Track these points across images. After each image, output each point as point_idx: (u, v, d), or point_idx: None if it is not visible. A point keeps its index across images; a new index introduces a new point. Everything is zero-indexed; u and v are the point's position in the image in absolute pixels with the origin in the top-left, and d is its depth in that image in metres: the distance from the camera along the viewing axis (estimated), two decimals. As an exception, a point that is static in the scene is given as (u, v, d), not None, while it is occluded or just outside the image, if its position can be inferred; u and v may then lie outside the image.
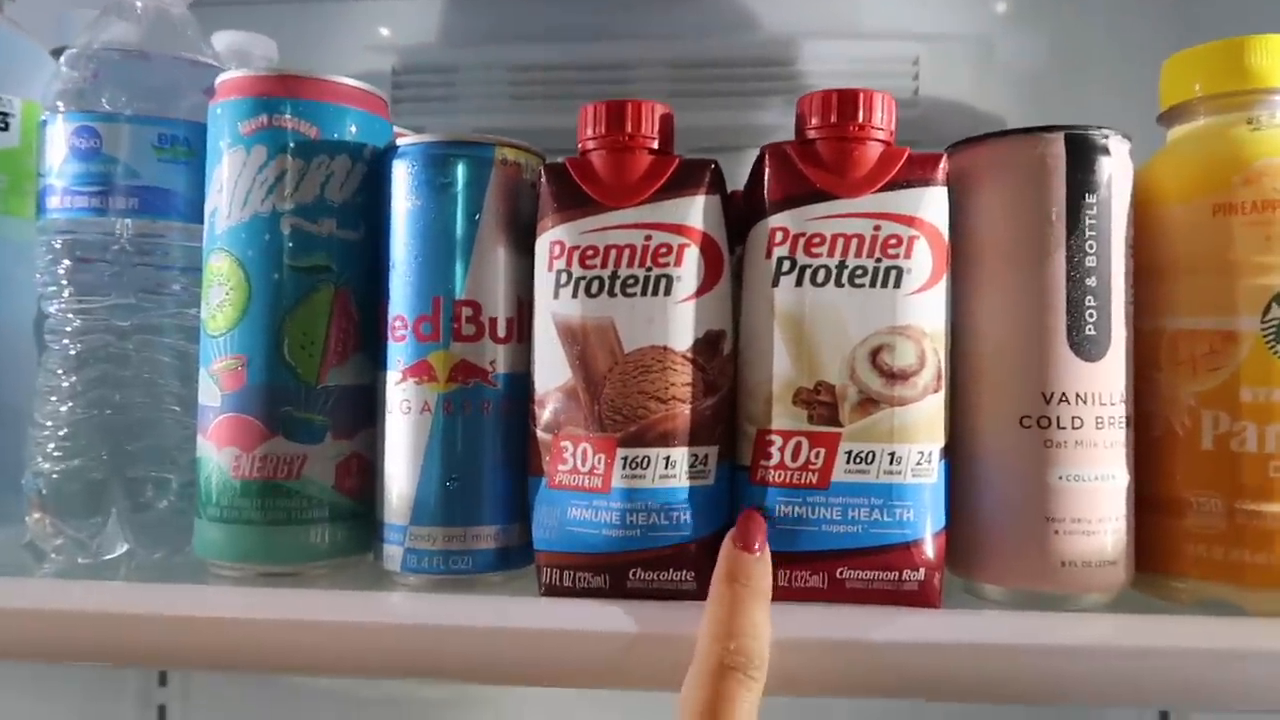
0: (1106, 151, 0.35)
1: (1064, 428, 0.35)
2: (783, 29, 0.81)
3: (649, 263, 0.36)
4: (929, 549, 0.35)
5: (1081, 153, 0.35)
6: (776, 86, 0.79)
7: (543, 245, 0.37)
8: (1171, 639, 0.32)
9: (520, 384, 0.38)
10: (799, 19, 0.81)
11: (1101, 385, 0.35)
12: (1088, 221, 0.35)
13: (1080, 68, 0.77)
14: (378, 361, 0.39)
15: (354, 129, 0.40)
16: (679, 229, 0.36)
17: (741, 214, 0.37)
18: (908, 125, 0.79)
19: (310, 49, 0.85)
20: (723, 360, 0.37)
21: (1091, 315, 0.35)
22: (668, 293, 0.35)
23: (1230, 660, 0.32)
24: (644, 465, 0.35)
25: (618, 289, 0.36)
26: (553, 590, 0.36)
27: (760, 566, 0.33)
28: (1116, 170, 0.35)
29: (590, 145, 0.37)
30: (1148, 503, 0.37)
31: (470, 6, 0.84)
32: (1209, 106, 0.37)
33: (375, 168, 0.40)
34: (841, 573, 0.35)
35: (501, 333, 0.38)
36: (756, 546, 0.33)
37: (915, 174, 0.35)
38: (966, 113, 0.79)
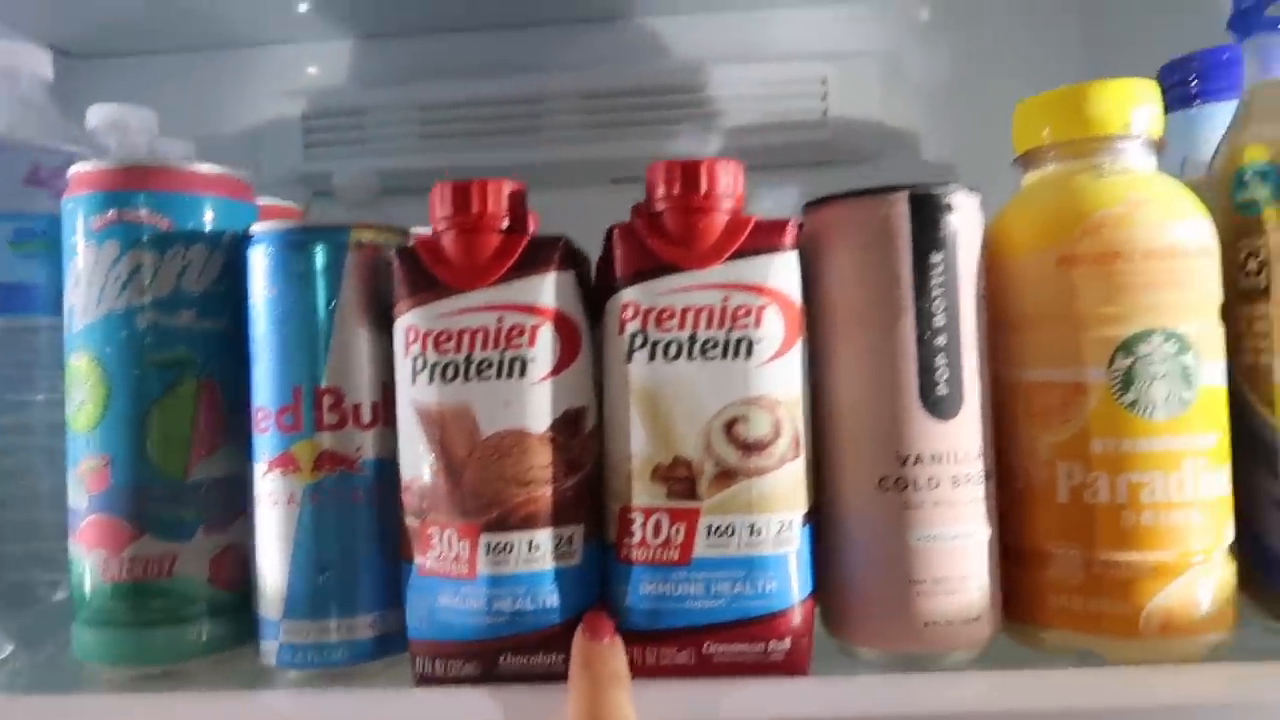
0: (950, 209, 0.35)
1: (921, 488, 0.35)
2: (692, 55, 0.81)
3: (503, 344, 0.35)
4: (795, 617, 0.35)
5: (925, 212, 0.35)
6: (689, 113, 0.79)
7: (399, 331, 0.37)
8: (1027, 699, 0.32)
9: (391, 469, 0.38)
10: (707, 44, 0.81)
11: (957, 444, 0.35)
12: (935, 280, 0.35)
13: (987, 82, 0.77)
14: (249, 450, 0.39)
15: (211, 216, 0.39)
16: (531, 309, 0.35)
17: (601, 287, 0.37)
18: (818, 146, 0.80)
19: (221, 97, 0.84)
20: (585, 437, 0.36)
21: (943, 374, 0.35)
22: (523, 374, 0.35)
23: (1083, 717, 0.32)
24: (507, 550, 0.35)
25: (473, 373, 0.35)
26: (426, 680, 0.36)
27: (612, 651, 0.33)
28: (963, 226, 0.36)
29: (440, 226, 0.37)
30: (1014, 554, 0.37)
31: (378, 48, 0.84)
32: (1057, 153, 0.37)
33: (236, 254, 0.39)
34: (708, 648, 0.35)
35: (367, 419, 0.38)
36: (605, 638, 0.33)
37: (762, 241, 0.35)
38: (876, 131, 0.79)
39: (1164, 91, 0.47)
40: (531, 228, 0.37)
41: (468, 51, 0.82)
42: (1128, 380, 0.34)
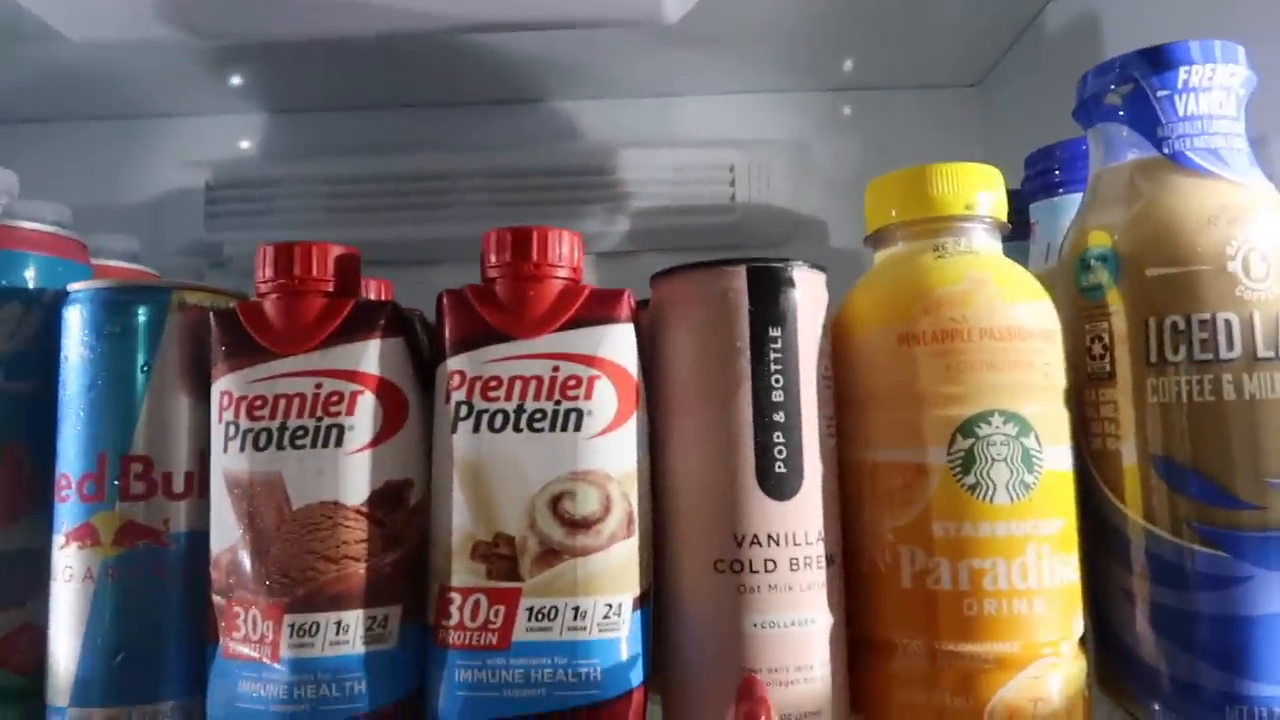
0: (791, 284, 0.35)
1: (756, 571, 0.33)
2: (602, 138, 0.82)
3: (319, 412, 0.34)
4: (621, 708, 0.32)
5: (764, 286, 0.34)
6: (598, 195, 0.79)
7: (214, 396, 0.35)
8: None
9: (205, 543, 0.35)
10: (617, 128, 0.82)
11: (795, 525, 0.33)
12: (773, 356, 0.34)
13: (893, 170, 0.78)
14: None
15: (31, 274, 0.37)
16: (351, 375, 0.34)
17: (435, 357, 0.36)
18: (726, 230, 0.80)
19: (125, 166, 0.83)
20: (408, 512, 0.34)
21: (781, 452, 0.34)
22: (339, 443, 0.33)
23: None
24: (313, 632, 0.33)
25: (286, 441, 0.33)
26: (221, 775, 0.33)
27: None
28: (805, 301, 0.35)
29: (263, 289, 0.35)
30: (860, 644, 0.35)
31: (286, 121, 0.83)
32: (903, 233, 0.37)
33: (54, 314, 0.37)
34: (526, 742, 0.32)
35: (179, 488, 0.35)
36: (761, 718, 0.30)
37: (596, 312, 0.34)
38: (784, 217, 0.80)
39: (1030, 180, 0.47)
40: (384, 295, 0.36)
41: (378, 128, 0.82)
42: (968, 462, 0.33)
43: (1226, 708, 0.32)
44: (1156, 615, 0.34)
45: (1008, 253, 0.37)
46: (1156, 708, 0.34)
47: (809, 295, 0.35)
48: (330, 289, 0.35)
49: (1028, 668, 0.33)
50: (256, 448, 0.33)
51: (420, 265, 0.77)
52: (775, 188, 0.81)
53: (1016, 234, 0.50)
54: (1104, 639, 0.36)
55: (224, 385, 0.34)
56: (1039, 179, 0.48)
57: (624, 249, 0.80)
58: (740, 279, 0.34)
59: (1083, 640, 0.35)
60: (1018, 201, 0.50)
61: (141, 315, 0.35)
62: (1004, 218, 0.37)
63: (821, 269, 0.36)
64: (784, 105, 0.83)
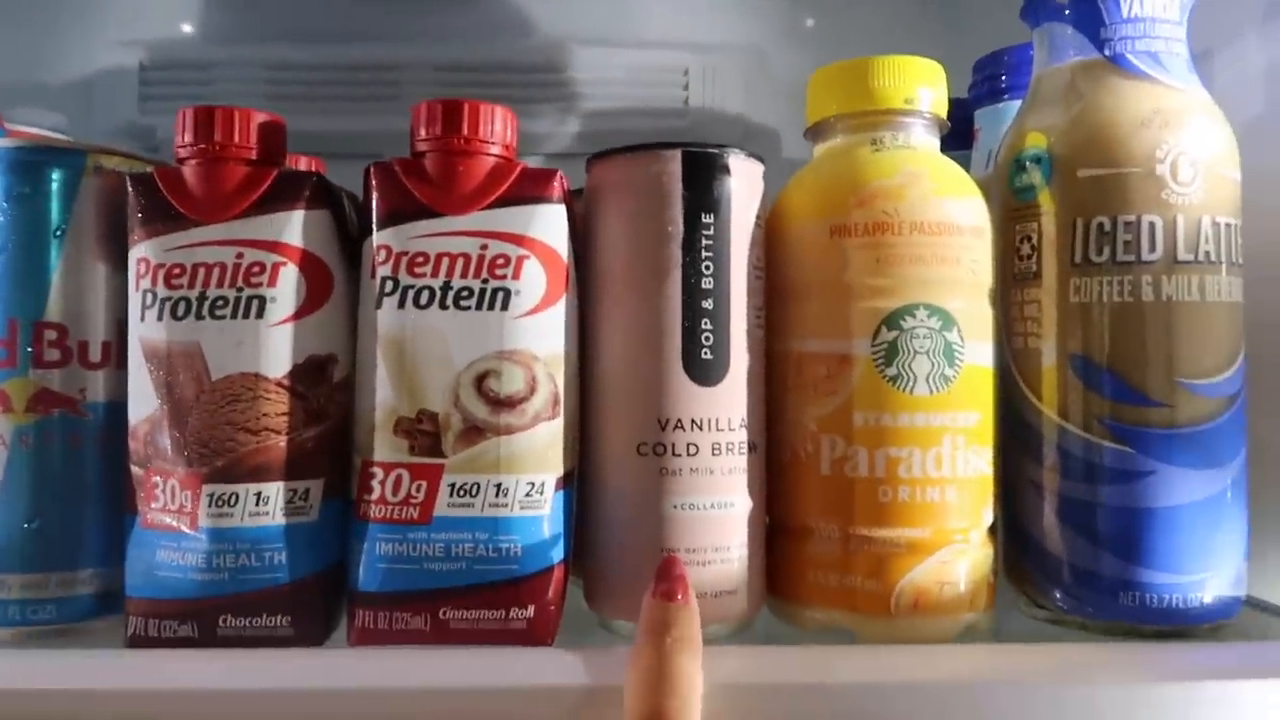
0: (727, 171, 0.34)
1: (679, 455, 0.33)
2: (554, 34, 0.79)
3: (240, 282, 0.33)
4: (540, 584, 0.33)
5: (700, 171, 0.34)
6: (548, 94, 0.78)
7: (131, 263, 0.34)
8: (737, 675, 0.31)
9: (123, 414, 0.35)
10: (571, 25, 0.79)
11: (719, 411, 0.34)
12: (704, 242, 0.34)
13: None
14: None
15: (-62, 133, 0.36)
16: (274, 246, 0.33)
17: (361, 231, 0.35)
18: (677, 135, 0.78)
19: (53, 41, 0.79)
20: (331, 387, 0.34)
21: (708, 339, 0.34)
22: (260, 315, 0.33)
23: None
24: (232, 502, 0.32)
25: (205, 311, 0.33)
26: (139, 641, 0.33)
27: (685, 614, 0.30)
28: (740, 190, 0.34)
29: (182, 154, 0.34)
30: (779, 529, 0.36)
31: (228, 2, 0.80)
32: (842, 126, 0.37)
33: (-37, 175, 0.36)
34: (445, 613, 0.33)
35: (95, 357, 0.35)
36: (679, 596, 0.30)
37: (528, 191, 0.34)
38: (736, 124, 0.78)
39: (976, 85, 0.47)
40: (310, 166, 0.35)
41: (323, 14, 0.79)
42: (891, 353, 0.34)
43: (1121, 593, 0.34)
44: (1063, 507, 0.35)
45: (952, 160, 0.37)
46: (1057, 595, 0.35)
47: (744, 184, 0.35)
48: (253, 157, 0.34)
49: (936, 553, 0.34)
50: (175, 317, 0.33)
51: (362, 159, 0.75)
52: (729, 94, 0.79)
53: (962, 142, 0.50)
54: (1012, 530, 0.37)
55: (141, 252, 0.33)
56: (985, 85, 0.48)
57: (574, 151, 0.78)
58: (675, 163, 0.34)
59: (992, 530, 0.36)
60: (964, 109, 0.50)
61: (54, 177, 0.34)
62: (944, 114, 0.37)
63: (759, 159, 0.36)
64: (741, 9, 0.81)
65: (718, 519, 0.34)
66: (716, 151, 0.34)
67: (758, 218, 0.35)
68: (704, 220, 0.34)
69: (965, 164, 0.49)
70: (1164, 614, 0.34)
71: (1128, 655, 0.33)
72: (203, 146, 0.33)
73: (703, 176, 0.34)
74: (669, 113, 0.77)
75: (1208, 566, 0.34)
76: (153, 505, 0.33)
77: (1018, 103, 0.45)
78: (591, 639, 0.35)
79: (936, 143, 0.37)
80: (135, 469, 0.34)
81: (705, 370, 0.34)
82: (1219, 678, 0.30)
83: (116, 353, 0.35)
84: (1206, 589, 0.34)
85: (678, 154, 0.34)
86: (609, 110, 0.78)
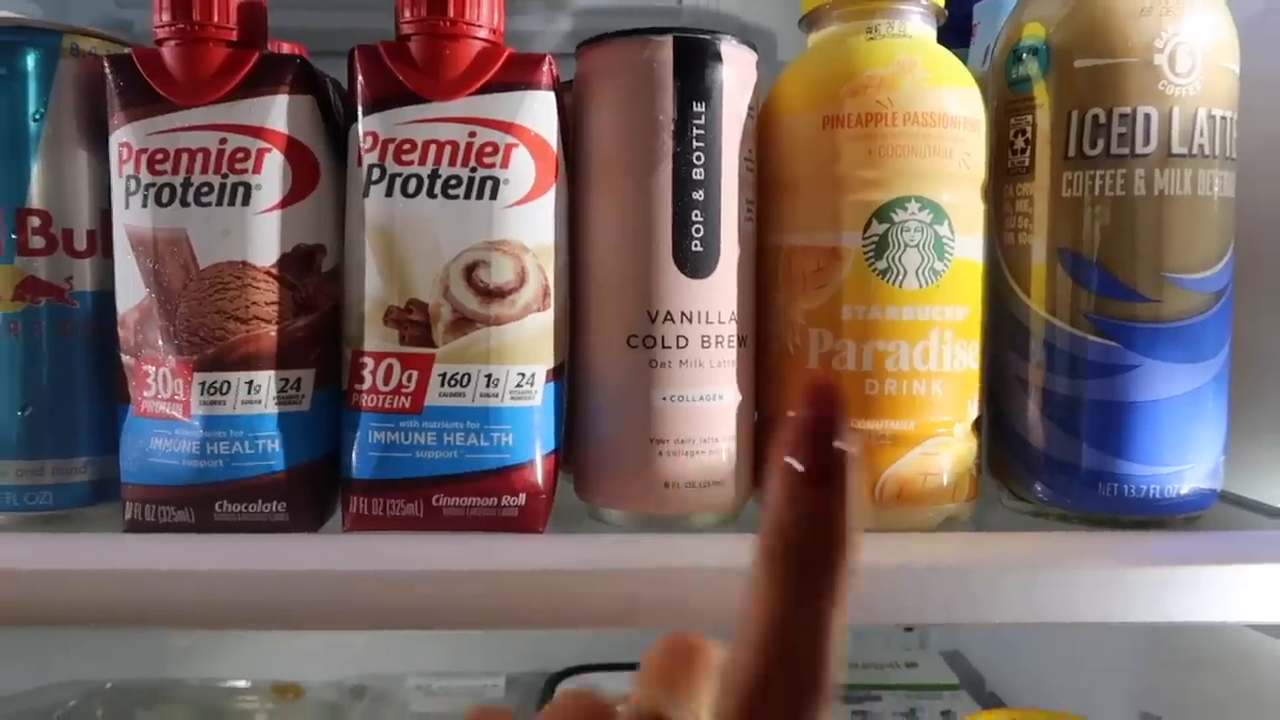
0: (719, 58, 0.34)
1: (669, 347, 0.34)
2: (544, -72, 0.77)
3: (225, 169, 0.32)
4: (531, 473, 0.34)
5: (691, 58, 0.33)
6: (538, -10, 0.76)
7: (112, 148, 0.33)
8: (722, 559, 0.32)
9: (112, 303, 0.34)
10: (561, -82, 0.77)
11: (709, 303, 0.34)
12: (695, 132, 0.33)
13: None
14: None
15: (-93, 12, 0.35)
16: (258, 131, 0.33)
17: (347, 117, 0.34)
18: (670, 33, 0.77)
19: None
20: (320, 277, 0.34)
21: (698, 231, 0.33)
22: (246, 203, 0.32)
23: None
24: (224, 390, 0.33)
25: (190, 198, 0.32)
26: (136, 526, 0.34)
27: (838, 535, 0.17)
28: (732, 79, 0.34)
29: (161, 35, 0.33)
30: (768, 423, 0.37)
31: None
32: (837, 14, 0.36)
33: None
34: (438, 500, 0.33)
35: (81, 246, 0.34)
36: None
37: (515, 77, 0.33)
38: (731, 25, 0.77)
39: (975, -22, 0.46)
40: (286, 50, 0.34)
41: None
42: (881, 246, 0.34)
43: (1100, 485, 0.34)
44: (1047, 402, 0.35)
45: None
46: (1037, 487, 0.36)
47: (736, 73, 0.34)
48: (234, 38, 0.33)
49: (921, 445, 0.34)
50: (159, 204, 0.32)
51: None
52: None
53: (960, 39, 0.49)
54: (997, 424, 0.37)
55: (122, 137, 0.33)
56: (985, -23, 0.47)
57: (564, 51, 0.76)
58: (666, 50, 0.33)
59: (977, 424, 0.36)
60: (963, 5, 0.49)
61: (29, 58, 0.33)
62: (941, 2, 0.36)
63: (752, 46, 0.35)
64: (739, -97, 0.78)
65: (707, 411, 0.34)
66: (708, 38, 0.33)
67: (750, 108, 0.35)
68: (695, 109, 0.33)
69: (964, 61, 0.48)
70: (1141, 504, 0.34)
71: (1101, 543, 0.34)
72: (181, 26, 0.32)
73: (694, 64, 0.33)
74: (662, 11, 0.75)
75: (1185, 459, 0.34)
76: (145, 394, 0.33)
77: (1018, -4, 0.44)
78: (582, 529, 0.36)
79: (933, 32, 0.36)
80: (126, 358, 0.34)
81: (695, 263, 0.34)
82: (1188, 563, 0.31)
83: (102, 241, 0.35)
84: (1184, 481, 0.34)
85: (669, 40, 0.33)
86: (600, 8, 0.75)
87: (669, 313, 0.33)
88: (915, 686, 0.65)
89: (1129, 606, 0.31)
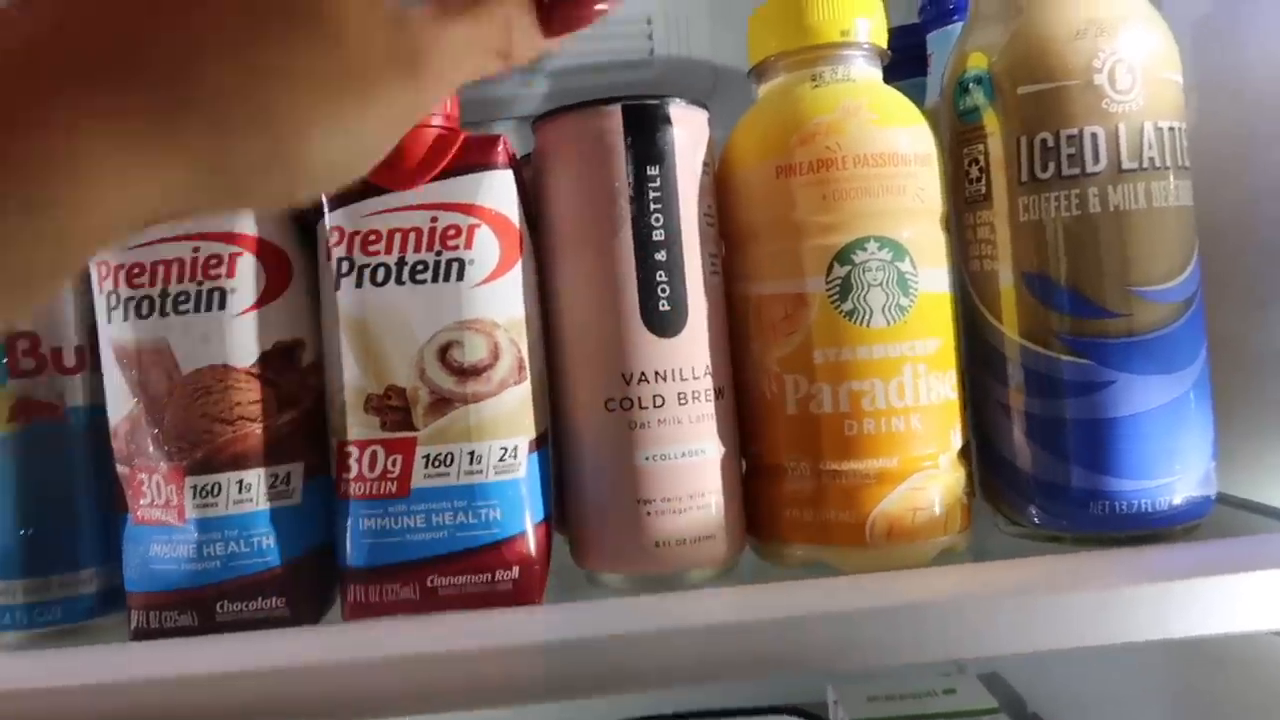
0: (668, 121, 0.34)
1: (646, 407, 0.34)
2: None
3: (199, 276, 0.33)
4: (522, 545, 0.34)
5: (641, 124, 0.34)
6: (511, 56, 0.77)
7: (91, 265, 0.34)
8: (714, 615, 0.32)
9: (105, 415, 0.35)
10: (527, -15, 0.79)
11: (682, 360, 0.34)
12: (652, 194, 0.34)
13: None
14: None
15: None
16: (229, 237, 0.34)
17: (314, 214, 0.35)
18: (644, 86, 0.78)
19: None
20: (301, 371, 0.35)
21: (664, 290, 0.34)
22: (222, 306, 0.33)
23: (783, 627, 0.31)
24: (215, 492, 0.33)
25: (169, 307, 0.33)
26: (142, 634, 0.34)
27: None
28: (683, 139, 0.35)
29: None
30: (755, 471, 0.37)
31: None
32: (782, 65, 0.37)
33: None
34: (432, 581, 0.34)
35: (70, 363, 0.35)
36: None
37: (473, 159, 0.34)
38: (704, 70, 0.78)
39: (925, 9, 0.47)
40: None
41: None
42: (845, 288, 0.34)
43: (1091, 503, 0.34)
44: (1030, 425, 0.35)
45: (908, 89, 0.37)
46: (1031, 511, 0.36)
47: (688, 132, 0.35)
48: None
49: (906, 480, 0.34)
50: (139, 315, 0.33)
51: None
52: (695, 40, 0.79)
53: (917, 69, 0.49)
54: (984, 451, 0.37)
55: (99, 255, 0.34)
56: (934, 7, 0.48)
57: (544, 111, 0.78)
58: (616, 119, 0.34)
59: (964, 452, 0.36)
60: (917, 34, 0.49)
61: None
62: (883, 43, 0.37)
63: (702, 105, 0.36)
64: (701, -48, 0.80)
65: (690, 467, 0.34)
66: (656, 102, 0.34)
67: (705, 165, 0.35)
68: (650, 172, 0.34)
69: (921, 90, 0.49)
70: (1134, 520, 0.34)
71: (1099, 562, 0.33)
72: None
73: (644, 128, 0.34)
74: (634, 65, 0.77)
75: (1174, 470, 0.34)
76: (141, 502, 0.34)
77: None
78: (583, 594, 0.36)
79: (878, 73, 0.37)
80: (121, 468, 0.35)
81: (664, 322, 0.34)
82: (1186, 576, 0.31)
83: (91, 356, 0.36)
84: (1175, 492, 0.34)
85: (617, 108, 0.34)
86: (574, 67, 0.77)
87: (643, 373, 0.34)
88: (955, 714, 0.64)
89: (1131, 626, 0.31)
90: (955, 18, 0.47)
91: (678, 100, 0.35)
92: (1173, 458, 0.34)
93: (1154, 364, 0.34)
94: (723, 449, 0.35)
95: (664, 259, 0.34)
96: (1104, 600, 0.31)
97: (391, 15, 0.22)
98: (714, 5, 0.79)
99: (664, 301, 0.34)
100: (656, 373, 0.34)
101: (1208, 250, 0.35)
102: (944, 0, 0.47)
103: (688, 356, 0.34)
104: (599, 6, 0.28)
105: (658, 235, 0.34)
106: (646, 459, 0.34)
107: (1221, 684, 0.46)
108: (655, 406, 0.34)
